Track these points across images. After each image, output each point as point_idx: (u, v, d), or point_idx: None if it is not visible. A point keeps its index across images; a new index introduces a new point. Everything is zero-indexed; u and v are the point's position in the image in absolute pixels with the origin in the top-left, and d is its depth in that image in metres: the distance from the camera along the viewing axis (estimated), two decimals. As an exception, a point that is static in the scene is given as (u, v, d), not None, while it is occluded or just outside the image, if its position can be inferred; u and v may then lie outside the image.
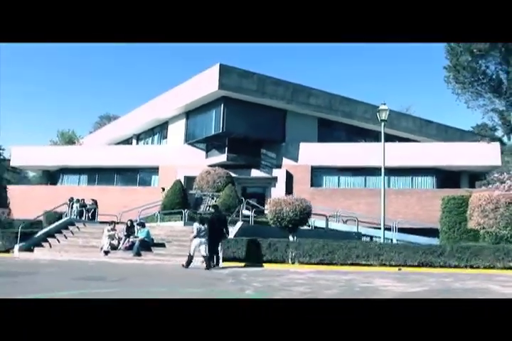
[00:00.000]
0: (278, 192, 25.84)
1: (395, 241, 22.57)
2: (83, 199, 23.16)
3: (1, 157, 47.36)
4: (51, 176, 33.11)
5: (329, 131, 29.25)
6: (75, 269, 12.17)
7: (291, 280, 10.53)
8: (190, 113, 28.38)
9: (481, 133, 40.06)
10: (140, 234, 15.63)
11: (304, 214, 15.50)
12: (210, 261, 13.00)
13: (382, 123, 17.18)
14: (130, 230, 16.13)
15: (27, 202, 26.77)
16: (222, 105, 25.55)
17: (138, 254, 14.88)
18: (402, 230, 23.88)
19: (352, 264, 13.99)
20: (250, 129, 26.25)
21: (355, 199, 26.25)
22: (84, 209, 22.33)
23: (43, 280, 9.69)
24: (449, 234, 19.27)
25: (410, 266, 13.87)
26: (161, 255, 15.16)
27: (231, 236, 15.14)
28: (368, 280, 10.76)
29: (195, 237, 13.02)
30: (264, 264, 14.00)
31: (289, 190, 25.95)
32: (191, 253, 13.05)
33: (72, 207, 22.22)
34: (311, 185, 26.73)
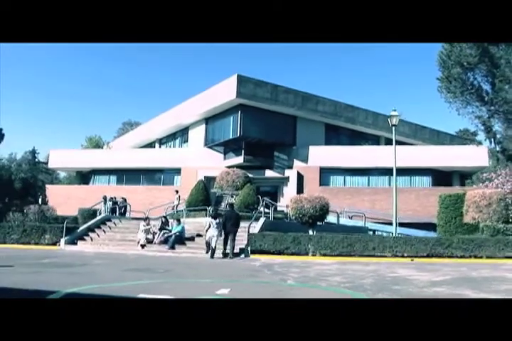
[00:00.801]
0: (290, 190, 25.72)
1: (395, 235, 22.44)
2: (115, 197, 23.04)
3: (36, 160, 47.40)
4: (83, 177, 32.95)
5: (335, 135, 29.18)
6: (120, 261, 11.98)
7: (322, 270, 10.33)
8: (210, 119, 28.24)
9: (463, 137, 39.96)
10: (175, 229, 15.44)
11: (323, 210, 15.34)
12: (232, 252, 13.35)
13: (393, 128, 16.93)
14: (164, 225, 15.95)
15: (63, 200, 26.63)
16: (239, 112, 25.42)
17: (172, 248, 14.69)
18: (402, 225, 23.70)
19: (368, 256, 13.84)
20: (264, 133, 26.17)
21: (359, 196, 26.12)
22: (116, 206, 22.21)
23: (99, 271, 9.47)
24: (445, 227, 19.24)
25: (421, 256, 13.73)
26: (193, 248, 14.95)
27: (255, 230, 15.04)
28: (391, 270, 10.56)
29: (207, 230, 13.59)
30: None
31: (300, 188, 25.81)
32: (212, 245, 13.33)
33: (105, 205, 22.07)
34: (320, 184, 26.56)
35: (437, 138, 33.46)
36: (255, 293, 6.93)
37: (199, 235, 15.81)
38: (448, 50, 26.27)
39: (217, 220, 13.59)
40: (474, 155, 26.62)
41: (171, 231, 15.50)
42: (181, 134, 31.76)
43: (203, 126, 28.74)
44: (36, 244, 16.17)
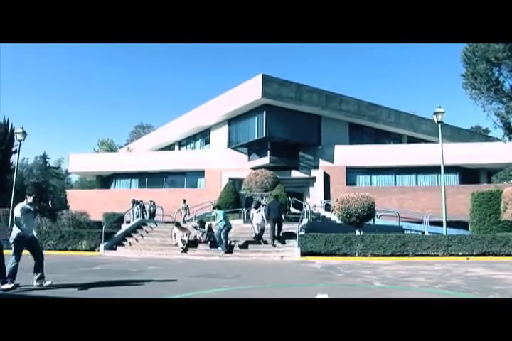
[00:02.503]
0: (317, 190, 25.38)
1: (426, 233, 22.13)
2: (141, 201, 22.70)
3: (47, 165, 47.08)
4: (104, 181, 32.52)
5: (358, 134, 28.87)
6: (174, 267, 11.45)
7: (393, 271, 9.97)
8: (232, 120, 27.88)
9: (486, 135, 39.65)
10: (219, 217, 14.69)
11: (371, 209, 15.01)
12: (272, 239, 14.50)
13: (439, 125, 16.59)
14: (202, 228, 15.56)
15: (84, 205, 26.21)
16: (264, 112, 25.07)
17: (229, 251, 14.19)
18: (431, 223, 23.40)
19: (421, 255, 13.52)
20: (289, 134, 25.84)
21: (386, 196, 25.71)
22: (144, 210, 21.85)
23: (165, 278, 8.98)
24: (479, 225, 18.96)
25: (476, 255, 13.41)
26: (239, 251, 14.53)
27: (301, 232, 14.77)
28: (463, 269, 10.18)
29: (252, 219, 15.05)
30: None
31: (326, 189, 25.45)
32: (256, 232, 14.73)
33: (134, 209, 21.70)
34: (346, 184, 26.21)
35: (458, 135, 33.12)
36: (355, 296, 6.56)
37: (239, 238, 15.43)
38: (473, 46, 25.91)
39: (258, 209, 14.98)
40: (501, 152, 26.29)
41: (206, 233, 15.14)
42: (202, 136, 31.34)
43: (225, 128, 28.38)
44: (73, 250, 15.74)
